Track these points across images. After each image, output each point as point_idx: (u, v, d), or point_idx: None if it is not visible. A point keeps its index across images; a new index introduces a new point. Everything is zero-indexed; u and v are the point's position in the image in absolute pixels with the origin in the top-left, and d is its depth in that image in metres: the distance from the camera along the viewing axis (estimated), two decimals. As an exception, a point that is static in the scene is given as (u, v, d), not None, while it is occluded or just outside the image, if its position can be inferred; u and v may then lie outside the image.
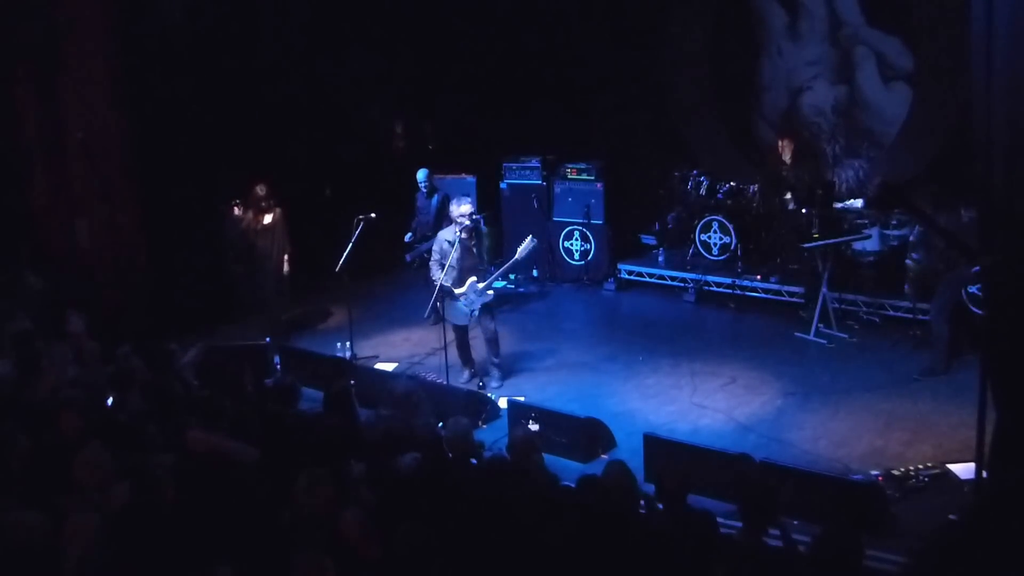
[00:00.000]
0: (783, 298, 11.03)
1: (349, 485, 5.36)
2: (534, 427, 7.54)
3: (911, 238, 9.03)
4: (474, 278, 8.98)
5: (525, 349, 10.18)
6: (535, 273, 12.74)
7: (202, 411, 6.30)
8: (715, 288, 11.60)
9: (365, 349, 10.19)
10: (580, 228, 12.52)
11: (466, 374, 9.35)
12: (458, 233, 8.92)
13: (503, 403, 8.60)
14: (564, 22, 13.35)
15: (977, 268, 8.48)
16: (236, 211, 10.80)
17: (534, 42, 13.33)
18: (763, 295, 11.25)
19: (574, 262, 12.67)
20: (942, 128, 11.32)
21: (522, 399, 8.65)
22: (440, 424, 6.82)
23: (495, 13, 13.13)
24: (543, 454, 6.47)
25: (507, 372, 9.43)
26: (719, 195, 12.04)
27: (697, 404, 8.70)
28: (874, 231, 10.54)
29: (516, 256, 9.22)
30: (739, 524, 5.11)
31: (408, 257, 11.35)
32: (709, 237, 11.85)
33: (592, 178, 12.47)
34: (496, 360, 9.34)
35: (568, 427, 7.74)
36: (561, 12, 13.25)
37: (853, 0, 12.07)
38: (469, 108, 13.53)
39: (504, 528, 4.92)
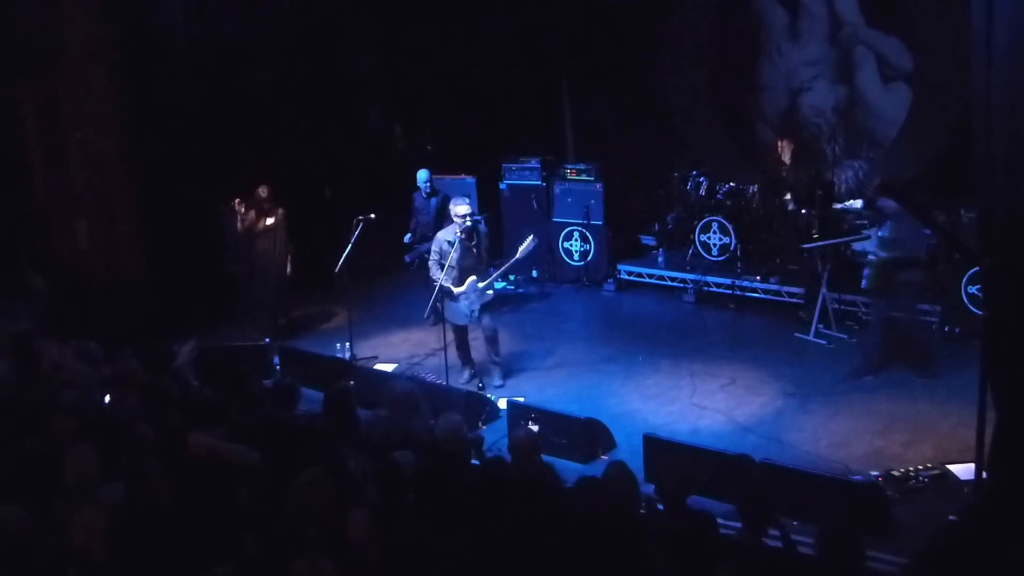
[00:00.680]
0: (783, 299, 11.03)
1: (354, 484, 5.35)
2: (534, 428, 7.53)
3: (881, 234, 8.67)
4: (474, 277, 8.98)
5: (525, 350, 10.18)
6: (535, 274, 12.74)
7: (201, 412, 6.29)
8: (715, 289, 11.59)
9: (365, 350, 10.19)
10: (580, 229, 12.51)
11: (466, 374, 9.34)
12: (458, 233, 8.92)
13: (502, 404, 8.59)
14: (564, 22, 13.36)
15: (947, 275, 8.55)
16: (241, 210, 10.78)
17: (534, 42, 13.33)
18: (763, 296, 11.24)
19: (574, 263, 12.66)
20: (942, 128, 11.32)
21: (522, 400, 8.64)
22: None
23: (495, 13, 13.12)
24: (543, 455, 6.47)
25: (507, 372, 9.42)
26: (719, 195, 12.04)
27: (697, 405, 8.70)
28: (873, 231, 10.52)
29: (517, 256, 9.21)
30: (739, 524, 5.12)
31: (408, 258, 11.35)
32: (709, 238, 11.85)
33: (592, 178, 12.47)
34: (497, 359, 9.33)
35: (568, 428, 7.74)
36: (561, 12, 13.25)
37: (853, 0, 12.07)
38: (469, 108, 13.53)
39: (503, 528, 4.91)
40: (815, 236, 10.52)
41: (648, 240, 12.95)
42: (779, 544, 5.11)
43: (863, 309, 10.32)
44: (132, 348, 7.97)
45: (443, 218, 11.07)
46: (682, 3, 13.41)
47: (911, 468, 7.15)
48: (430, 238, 10.94)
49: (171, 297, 10.79)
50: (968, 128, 6.39)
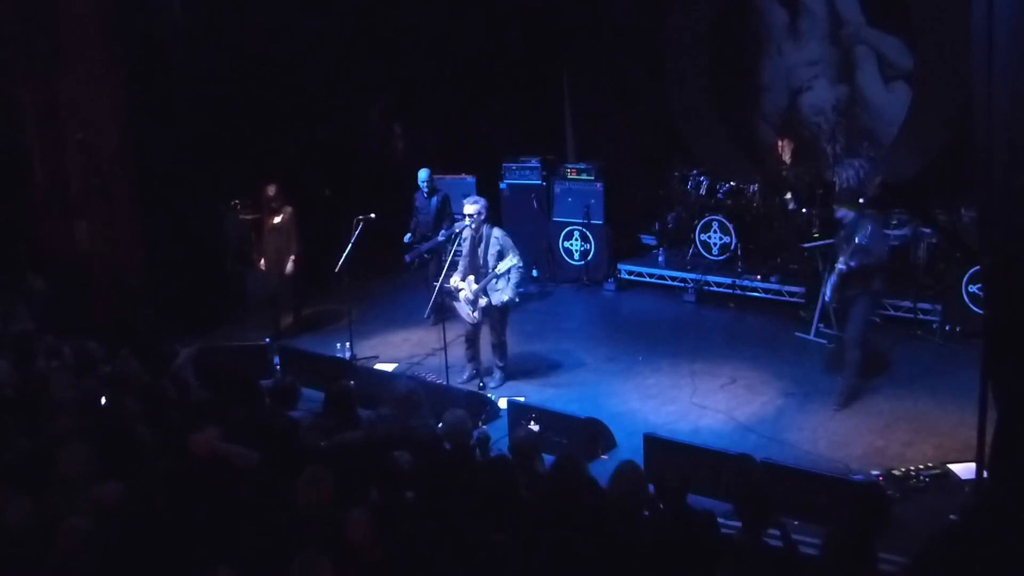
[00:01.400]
0: (783, 298, 11.03)
1: (356, 485, 5.35)
2: (534, 427, 7.53)
3: (859, 240, 8.08)
4: (472, 277, 8.98)
5: (525, 349, 10.17)
6: (535, 273, 12.73)
7: (199, 413, 6.29)
8: (715, 288, 11.59)
9: (365, 349, 10.18)
10: (580, 228, 12.51)
11: (467, 373, 9.34)
12: (469, 230, 8.94)
13: (503, 404, 8.59)
14: (564, 22, 13.36)
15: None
16: (253, 210, 10.77)
17: (534, 42, 13.33)
18: (763, 295, 11.24)
19: (574, 262, 12.66)
20: (942, 127, 11.32)
21: (522, 399, 8.64)
22: (440, 424, 6.82)
23: (495, 13, 13.12)
24: (544, 455, 6.48)
25: (508, 373, 9.40)
26: (719, 195, 12.04)
27: (697, 404, 8.69)
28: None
29: (495, 272, 8.88)
30: (739, 524, 5.11)
31: (408, 257, 11.35)
32: (709, 237, 11.85)
33: (592, 178, 12.46)
34: (500, 364, 9.34)
35: (568, 427, 7.73)
36: (561, 12, 13.26)
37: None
38: (469, 108, 13.53)
39: (506, 527, 4.92)
40: (815, 235, 10.52)
41: (648, 239, 12.95)
42: (779, 544, 5.11)
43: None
44: (132, 348, 7.97)
45: (443, 218, 11.09)
46: (683, 3, 13.41)
47: (912, 467, 7.15)
48: (430, 238, 11.00)
49: (171, 297, 10.78)
50: (968, 127, 6.40)
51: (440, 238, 10.83)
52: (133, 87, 10.63)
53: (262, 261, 10.98)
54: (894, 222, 10.59)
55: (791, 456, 7.41)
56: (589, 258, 12.52)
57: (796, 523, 5.99)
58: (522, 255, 9.07)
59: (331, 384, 7.34)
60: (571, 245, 12.64)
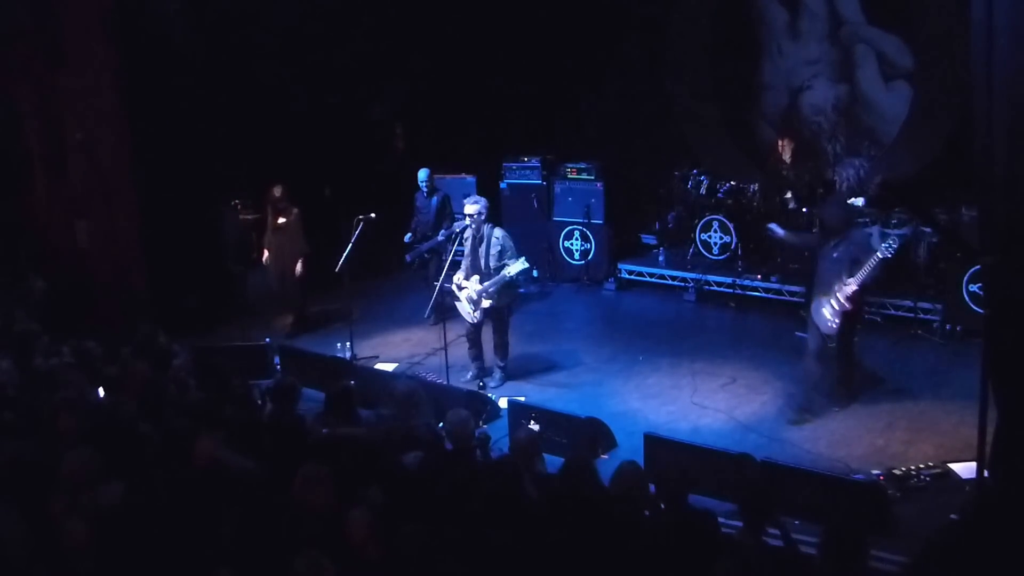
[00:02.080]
0: (784, 297, 11.02)
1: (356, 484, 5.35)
2: (534, 427, 7.53)
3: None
4: (476, 277, 8.98)
5: (525, 349, 10.16)
6: (535, 273, 12.73)
7: (195, 414, 6.28)
8: (716, 288, 11.58)
9: (365, 349, 10.18)
10: (580, 228, 12.50)
11: (470, 372, 9.35)
12: (470, 230, 8.94)
13: (503, 403, 8.59)
14: (564, 21, 13.34)
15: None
16: (253, 210, 10.78)
17: (535, 42, 13.32)
18: (764, 294, 11.24)
19: (574, 262, 12.66)
20: (943, 126, 11.32)
21: (522, 399, 8.65)
22: (440, 424, 6.82)
23: (495, 13, 13.12)
24: (544, 455, 6.48)
25: (509, 375, 9.40)
26: (719, 194, 12.03)
27: (698, 404, 8.69)
28: (875, 230, 10.52)
29: (505, 275, 8.84)
30: (739, 523, 5.11)
31: (408, 257, 11.35)
32: (709, 236, 11.84)
33: (592, 178, 12.45)
34: (501, 364, 9.34)
35: (568, 427, 7.73)
36: (561, 11, 13.24)
37: (854, -2, 12.09)
38: (469, 108, 13.53)
39: (508, 526, 4.91)
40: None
41: (649, 239, 12.94)
42: (780, 543, 5.11)
43: (866, 309, 10.31)
44: (132, 348, 7.97)
45: (443, 217, 11.09)
46: (683, 2, 13.41)
47: (912, 467, 7.14)
48: (430, 237, 10.99)
49: (171, 297, 10.79)
50: (969, 126, 6.40)
51: (440, 238, 10.83)
52: (133, 87, 10.63)
53: (266, 254, 10.99)
54: (894, 221, 10.59)
55: (791, 456, 7.40)
56: (589, 258, 12.51)
57: (796, 523, 5.99)
58: (522, 255, 9.05)
59: (332, 384, 7.35)
60: (571, 245, 12.64)
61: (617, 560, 4.67)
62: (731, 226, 11.62)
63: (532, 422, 7.68)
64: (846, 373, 8.36)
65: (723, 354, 9.83)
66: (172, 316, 10.35)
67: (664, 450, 7.16)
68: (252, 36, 11.82)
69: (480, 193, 12.11)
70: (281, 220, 10.76)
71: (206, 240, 11.32)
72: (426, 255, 11.07)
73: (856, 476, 7.02)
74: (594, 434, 7.76)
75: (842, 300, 7.87)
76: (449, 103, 13.70)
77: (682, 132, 13.51)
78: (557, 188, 12.66)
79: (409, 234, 11.33)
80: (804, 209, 11.03)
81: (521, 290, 12.43)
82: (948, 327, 9.78)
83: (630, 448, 7.53)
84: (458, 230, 9.42)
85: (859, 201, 11.26)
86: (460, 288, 9.06)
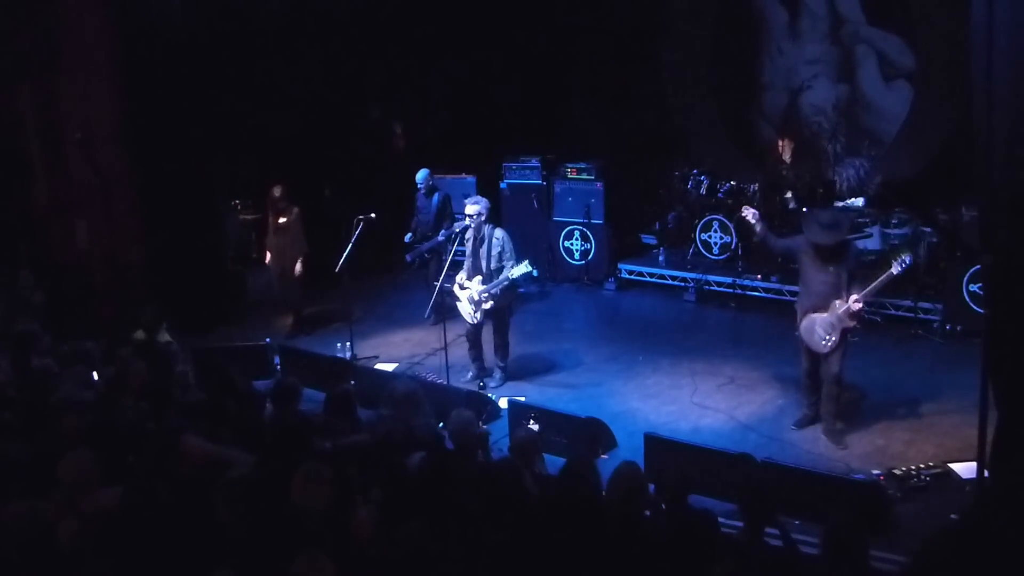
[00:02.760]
0: (784, 297, 11.01)
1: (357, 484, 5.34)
2: (534, 427, 7.53)
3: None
4: (479, 278, 8.98)
5: (525, 349, 10.16)
6: (535, 273, 12.70)
7: (194, 414, 6.28)
8: (716, 287, 11.59)
9: (365, 349, 10.18)
10: (580, 228, 12.50)
11: (471, 372, 9.34)
12: (471, 227, 8.94)
13: (503, 403, 8.59)
14: (564, 21, 13.35)
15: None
16: (253, 210, 10.78)
17: (535, 41, 13.33)
18: (764, 294, 11.24)
19: (574, 262, 12.66)
20: (943, 126, 11.32)
21: (522, 399, 8.64)
22: (440, 424, 6.82)
23: (495, 13, 13.12)
24: (544, 454, 6.47)
25: (509, 375, 9.40)
26: (719, 194, 12.03)
27: (698, 404, 8.69)
28: (875, 230, 10.53)
29: (507, 276, 8.89)
30: (740, 524, 5.11)
31: (408, 257, 11.35)
32: (709, 236, 11.84)
33: (592, 178, 12.46)
34: (501, 364, 9.34)
35: (568, 427, 7.73)
36: (561, 11, 13.25)
37: (854, -2, 12.09)
38: (469, 108, 13.53)
39: (508, 526, 4.91)
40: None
41: (649, 239, 12.94)
42: (780, 543, 5.11)
43: (865, 308, 10.30)
44: (132, 348, 7.96)
45: (443, 217, 11.08)
46: (683, 2, 13.41)
47: (912, 467, 7.14)
48: (430, 237, 10.99)
49: (171, 296, 10.77)
50: (969, 126, 6.40)
51: (440, 238, 10.83)
52: (133, 87, 10.63)
53: (268, 255, 10.99)
54: (894, 221, 10.58)
55: (791, 456, 7.41)
56: (589, 258, 12.51)
57: (796, 523, 5.99)
58: (522, 255, 9.05)
59: (331, 384, 7.34)
60: (571, 245, 12.64)
61: (617, 560, 4.66)
62: (731, 226, 11.62)
63: (532, 422, 7.67)
64: (838, 400, 7.82)
65: (723, 354, 9.83)
66: (172, 316, 10.35)
67: (664, 450, 7.16)
68: (252, 36, 11.83)
69: (480, 193, 12.12)
70: (281, 220, 10.77)
71: (206, 240, 11.32)
72: (426, 255, 11.06)
73: (856, 476, 7.02)
74: (594, 434, 7.76)
75: (845, 318, 7.65)
76: (449, 103, 13.71)
77: (682, 132, 13.52)
78: (557, 188, 12.66)
79: (409, 234, 11.33)
80: (804, 209, 11.02)
81: (521, 290, 12.44)
82: (948, 327, 9.78)
83: (630, 448, 7.53)
84: (458, 230, 9.43)
85: (859, 201, 11.27)
86: (462, 288, 9.07)
